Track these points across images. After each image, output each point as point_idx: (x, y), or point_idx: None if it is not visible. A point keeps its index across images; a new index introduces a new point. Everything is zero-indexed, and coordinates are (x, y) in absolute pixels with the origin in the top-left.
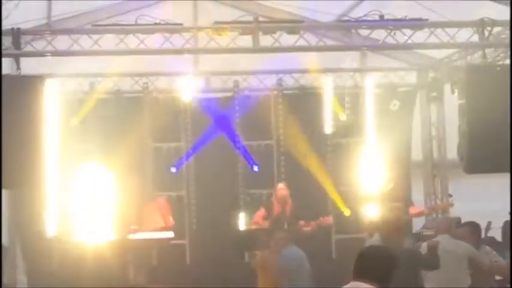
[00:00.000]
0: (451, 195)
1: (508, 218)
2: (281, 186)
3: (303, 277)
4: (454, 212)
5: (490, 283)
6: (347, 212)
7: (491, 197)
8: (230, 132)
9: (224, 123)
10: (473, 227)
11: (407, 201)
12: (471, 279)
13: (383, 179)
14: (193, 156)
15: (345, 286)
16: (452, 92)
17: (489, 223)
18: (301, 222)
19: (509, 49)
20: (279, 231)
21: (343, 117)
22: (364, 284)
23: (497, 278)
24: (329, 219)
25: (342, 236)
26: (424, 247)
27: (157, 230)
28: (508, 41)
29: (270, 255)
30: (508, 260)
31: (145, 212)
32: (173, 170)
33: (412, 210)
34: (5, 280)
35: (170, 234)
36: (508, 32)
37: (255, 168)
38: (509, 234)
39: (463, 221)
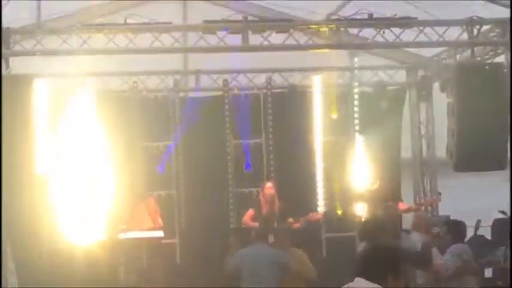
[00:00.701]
0: (439, 193)
1: (497, 216)
2: (268, 185)
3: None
4: (443, 210)
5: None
6: (339, 211)
7: (481, 195)
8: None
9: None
10: (450, 225)
11: (396, 198)
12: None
13: (370, 177)
14: (182, 155)
15: (349, 284)
16: (442, 90)
17: (478, 221)
18: (290, 220)
19: (502, 47)
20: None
21: (334, 115)
22: (369, 283)
23: None
24: (318, 215)
25: (331, 234)
26: (417, 246)
27: (146, 230)
28: (496, 39)
29: None
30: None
31: (134, 212)
32: (159, 169)
33: (401, 207)
34: None
35: (160, 233)
36: (497, 30)
37: (247, 169)
38: (499, 232)
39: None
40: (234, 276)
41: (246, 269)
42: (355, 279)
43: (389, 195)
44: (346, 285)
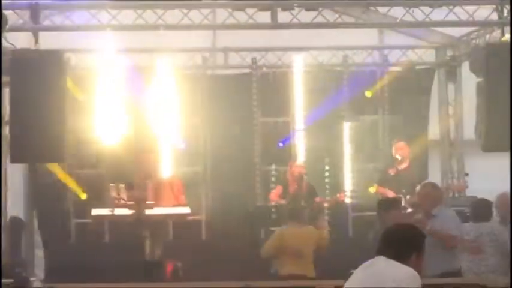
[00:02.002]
0: (467, 174)
1: None
2: (297, 163)
3: None
4: (470, 191)
5: None
6: (372, 189)
7: (508, 176)
8: None
9: None
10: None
11: (422, 180)
12: None
13: (398, 157)
14: (210, 133)
15: (371, 261)
16: (471, 70)
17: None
18: (317, 199)
19: None
20: None
21: (368, 94)
22: (392, 261)
23: None
24: (344, 196)
25: (358, 213)
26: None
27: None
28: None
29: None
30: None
31: (159, 189)
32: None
33: None
34: (23, 255)
35: (187, 209)
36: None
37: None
38: None
39: None
40: (272, 255)
41: (288, 249)
42: (376, 257)
43: (416, 176)
44: (368, 262)
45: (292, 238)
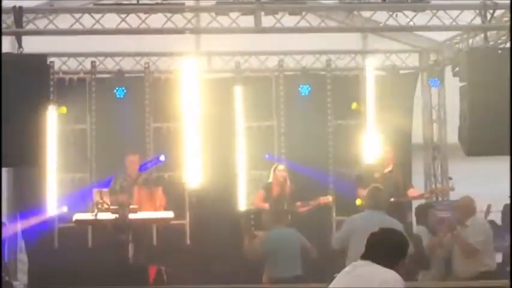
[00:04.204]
0: (451, 178)
1: (508, 202)
2: (280, 167)
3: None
4: (454, 195)
5: None
6: (359, 202)
7: (492, 180)
8: None
9: None
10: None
11: (406, 184)
12: None
13: (382, 161)
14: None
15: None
16: (454, 75)
17: (489, 206)
18: (300, 203)
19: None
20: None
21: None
22: (378, 266)
23: None
24: (328, 199)
25: (342, 217)
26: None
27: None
28: (509, 24)
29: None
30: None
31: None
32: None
33: (412, 193)
34: (5, 259)
35: (170, 214)
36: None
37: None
38: (509, 217)
39: None
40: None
41: (276, 253)
42: (360, 261)
43: (401, 179)
44: (350, 267)
45: (278, 240)
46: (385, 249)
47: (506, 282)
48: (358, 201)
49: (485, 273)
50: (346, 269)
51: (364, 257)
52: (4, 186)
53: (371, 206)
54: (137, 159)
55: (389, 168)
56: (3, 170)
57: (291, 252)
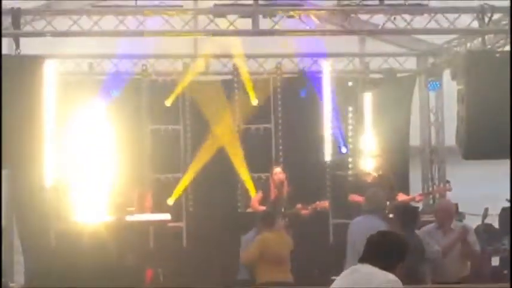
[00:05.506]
0: (448, 181)
1: (506, 205)
2: (278, 170)
3: None
4: (451, 198)
5: None
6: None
7: (489, 183)
8: None
9: None
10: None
11: (393, 189)
12: None
13: (374, 165)
14: (191, 139)
15: (349, 269)
16: (453, 78)
17: (486, 210)
18: (298, 206)
19: (509, 36)
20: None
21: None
22: (377, 269)
23: None
24: (325, 204)
25: (339, 220)
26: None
27: None
28: (508, 27)
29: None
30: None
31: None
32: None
33: (400, 197)
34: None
35: (167, 216)
36: (508, 18)
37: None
38: (506, 220)
39: (460, 208)
40: (254, 262)
41: (269, 256)
42: (359, 265)
43: (393, 183)
44: (350, 269)
45: (273, 244)
46: (383, 252)
47: (506, 285)
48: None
49: (465, 278)
50: (346, 271)
51: (363, 260)
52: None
53: (367, 210)
54: None
55: (381, 172)
56: None
57: (283, 255)
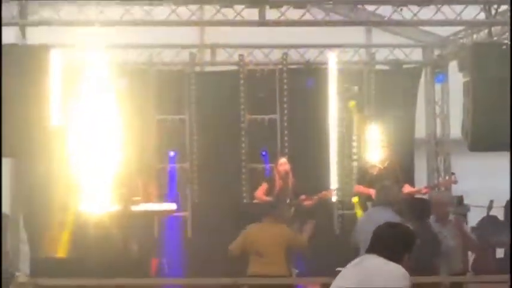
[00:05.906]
0: (453, 173)
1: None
2: (283, 161)
3: None
4: (456, 190)
5: None
6: (355, 200)
7: (494, 175)
8: None
9: None
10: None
11: (399, 181)
12: None
13: (379, 157)
14: (196, 130)
15: (361, 259)
16: (460, 70)
17: (491, 202)
18: (303, 197)
19: None
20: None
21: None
22: (384, 260)
23: None
24: (330, 193)
25: (345, 211)
26: None
27: None
28: None
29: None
30: None
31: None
32: None
33: (406, 189)
34: (6, 249)
35: (173, 206)
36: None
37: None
38: (510, 213)
39: (465, 200)
40: (238, 254)
41: (251, 248)
42: (366, 255)
43: (399, 174)
44: (357, 260)
45: (256, 237)
46: (390, 243)
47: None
48: (355, 199)
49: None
50: (354, 261)
51: (370, 250)
52: (6, 177)
53: (376, 203)
54: None
55: (387, 164)
56: (6, 160)
57: (267, 249)
